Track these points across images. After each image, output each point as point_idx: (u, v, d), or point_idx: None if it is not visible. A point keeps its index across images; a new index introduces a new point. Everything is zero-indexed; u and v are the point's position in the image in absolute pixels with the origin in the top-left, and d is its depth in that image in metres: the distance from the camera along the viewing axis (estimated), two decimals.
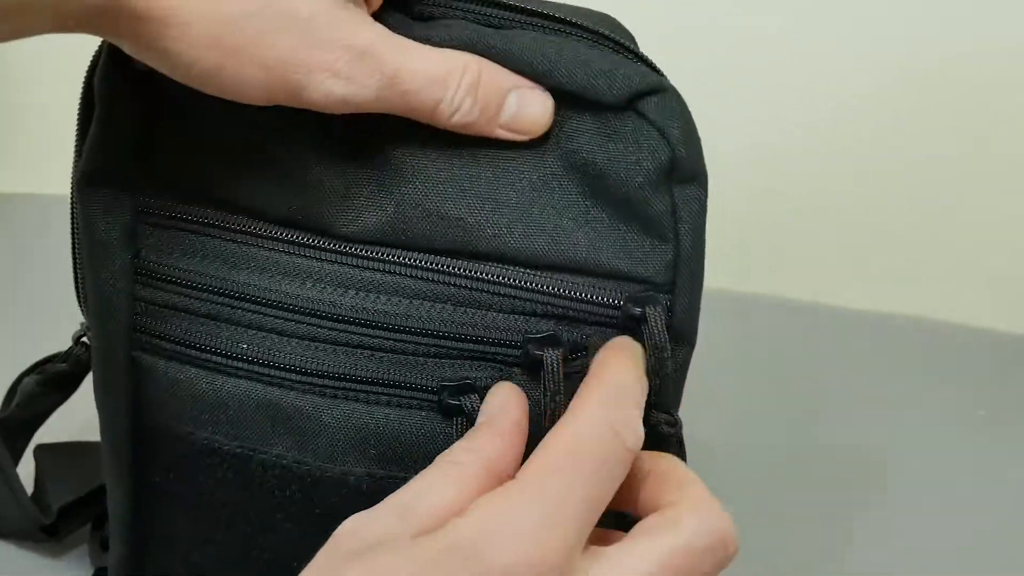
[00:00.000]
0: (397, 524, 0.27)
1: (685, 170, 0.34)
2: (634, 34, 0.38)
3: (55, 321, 0.46)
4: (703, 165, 0.35)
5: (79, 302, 0.39)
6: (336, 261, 0.35)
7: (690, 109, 0.36)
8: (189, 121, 0.34)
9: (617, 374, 0.31)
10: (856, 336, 0.70)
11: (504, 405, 0.31)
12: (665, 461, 0.31)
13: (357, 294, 0.35)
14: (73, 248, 0.38)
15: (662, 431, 0.35)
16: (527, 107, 0.32)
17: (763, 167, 0.74)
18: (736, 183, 0.75)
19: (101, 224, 0.35)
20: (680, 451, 0.38)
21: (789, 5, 0.70)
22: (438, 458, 0.29)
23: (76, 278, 0.39)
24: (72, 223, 0.37)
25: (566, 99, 0.33)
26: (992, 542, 0.52)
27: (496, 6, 0.33)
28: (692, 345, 0.38)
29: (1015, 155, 0.70)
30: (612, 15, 0.37)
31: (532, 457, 0.28)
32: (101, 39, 0.33)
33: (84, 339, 0.42)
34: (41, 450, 0.49)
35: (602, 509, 0.28)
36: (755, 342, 0.69)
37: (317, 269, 0.35)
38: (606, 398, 0.30)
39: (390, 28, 0.32)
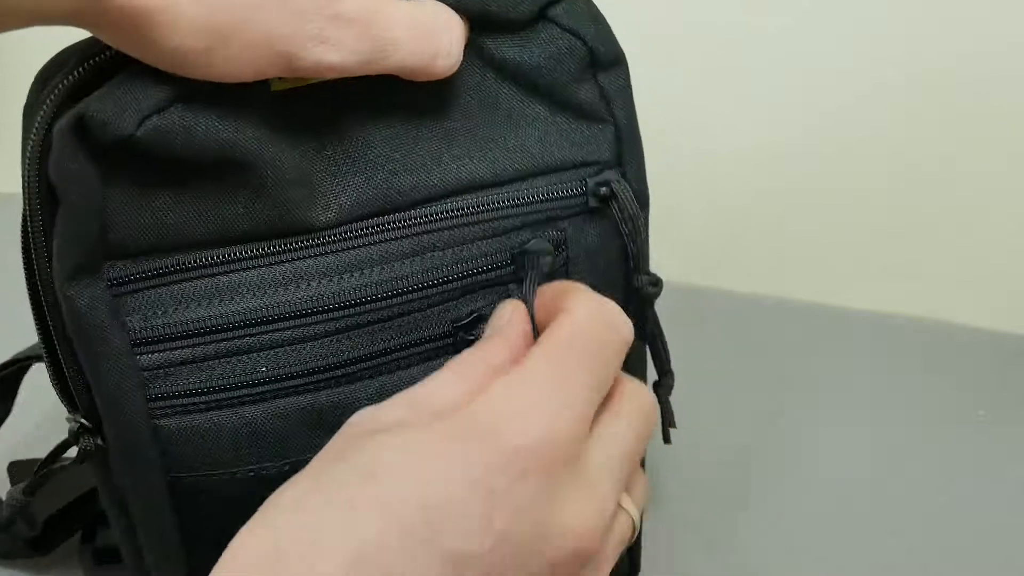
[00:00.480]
0: (409, 414, 0.29)
1: (605, 59, 0.37)
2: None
3: None
4: (620, 48, 0.38)
5: (62, 399, 0.36)
6: (326, 252, 0.35)
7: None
8: (141, 178, 0.33)
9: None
10: (856, 336, 0.70)
11: (510, 318, 0.33)
12: (560, 283, 0.35)
13: (353, 275, 0.35)
14: (53, 342, 0.35)
15: (647, 292, 0.40)
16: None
17: (763, 167, 0.74)
18: (736, 183, 0.76)
19: (90, 314, 0.33)
20: (653, 324, 0.43)
21: (790, 5, 0.70)
22: (448, 363, 0.31)
23: (56, 376, 0.35)
24: (44, 317, 0.34)
25: (483, 23, 0.35)
26: (992, 542, 0.52)
27: None
28: (647, 204, 0.42)
29: (1015, 155, 0.70)
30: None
31: (538, 347, 0.30)
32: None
33: (83, 425, 0.37)
34: (15, 466, 0.48)
35: (604, 392, 0.30)
36: (755, 342, 0.69)
37: (311, 267, 0.35)
38: (594, 296, 0.32)
39: None
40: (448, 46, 0.33)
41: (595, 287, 0.37)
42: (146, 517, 0.36)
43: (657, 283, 0.40)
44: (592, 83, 0.37)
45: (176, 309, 0.34)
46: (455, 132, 0.36)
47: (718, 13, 0.72)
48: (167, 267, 0.34)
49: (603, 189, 0.38)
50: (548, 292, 0.34)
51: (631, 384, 0.32)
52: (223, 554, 0.27)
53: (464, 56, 0.35)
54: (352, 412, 0.34)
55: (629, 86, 0.38)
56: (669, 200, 0.78)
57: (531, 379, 0.29)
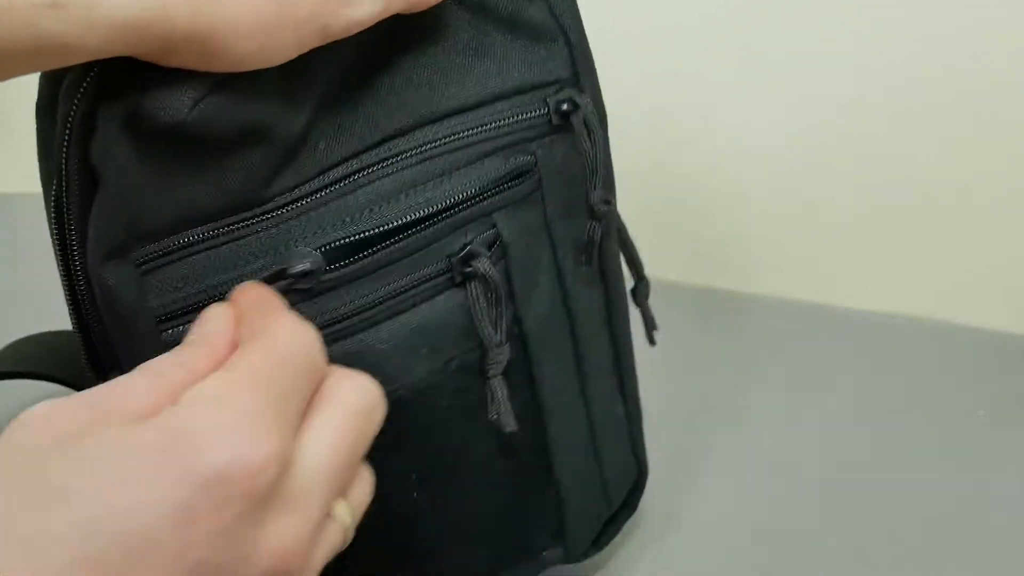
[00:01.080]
0: (93, 416, 0.26)
1: None
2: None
3: (56, 323, 0.46)
4: None
5: (96, 378, 0.37)
6: (324, 200, 0.36)
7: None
8: (165, 160, 0.33)
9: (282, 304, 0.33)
10: (856, 336, 0.70)
11: (215, 326, 0.31)
12: (261, 293, 0.33)
13: (345, 223, 0.36)
14: (86, 323, 0.36)
15: (599, 208, 0.40)
16: None
17: (763, 167, 0.74)
18: (736, 183, 0.75)
19: (122, 295, 0.34)
20: (621, 236, 0.45)
21: (793, 8, 0.70)
22: (141, 366, 0.28)
23: (94, 353, 0.36)
24: (78, 297, 0.35)
25: None
26: (992, 542, 0.52)
27: None
28: (606, 119, 0.43)
29: (1015, 155, 0.70)
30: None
31: (242, 359, 0.28)
32: None
33: None
34: None
35: (306, 401, 0.29)
36: (755, 342, 0.69)
37: (314, 219, 0.36)
38: (294, 316, 0.31)
39: None
40: None
41: (565, 205, 0.40)
42: None
43: (609, 202, 0.41)
44: (541, 1, 0.39)
45: (194, 281, 0.35)
46: (422, 66, 0.37)
47: (718, 14, 0.71)
48: (183, 242, 0.34)
49: (564, 105, 0.39)
50: (250, 302, 0.32)
51: (341, 385, 0.30)
52: None
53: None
54: (371, 355, 0.36)
55: (576, 3, 0.40)
56: (669, 200, 0.78)
57: (236, 394, 0.27)
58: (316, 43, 0.33)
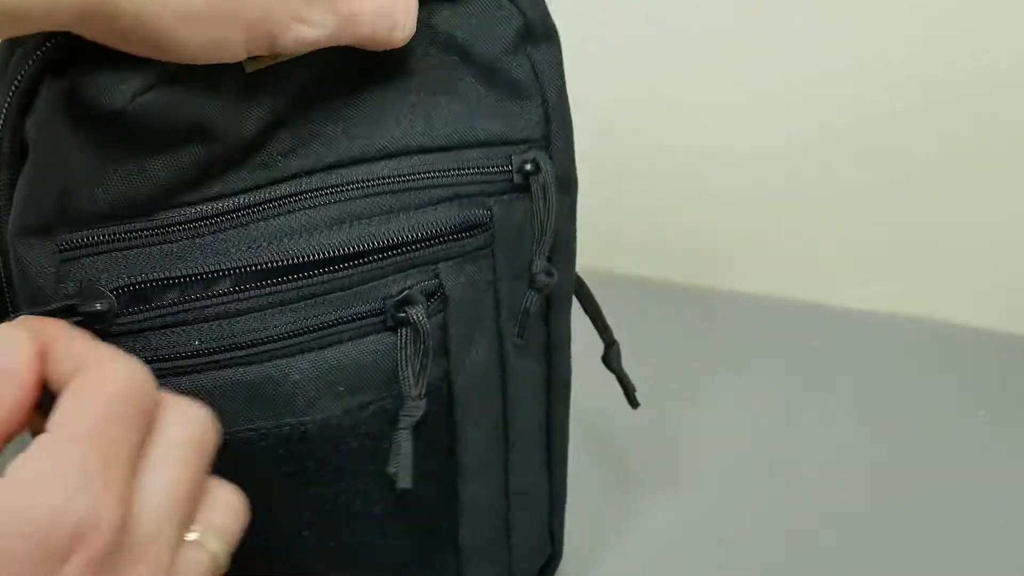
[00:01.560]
0: None
1: (538, 31, 0.37)
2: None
3: None
4: (553, 23, 0.38)
5: None
6: (256, 217, 0.35)
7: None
8: (106, 149, 0.33)
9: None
10: (856, 336, 0.70)
11: (18, 357, 0.28)
12: (69, 332, 0.30)
13: (282, 243, 0.35)
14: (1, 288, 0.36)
15: (540, 280, 0.39)
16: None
17: (763, 167, 0.74)
18: (736, 183, 0.75)
19: (36, 274, 0.33)
20: (580, 296, 0.44)
21: (794, 8, 0.70)
22: None
23: (4, 313, 0.36)
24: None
25: None
26: (992, 542, 0.52)
27: None
28: (576, 189, 0.41)
29: (1015, 155, 0.70)
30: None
31: (73, 407, 0.27)
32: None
33: None
34: None
35: (141, 442, 0.28)
36: (755, 342, 0.69)
37: (241, 235, 0.35)
38: (117, 352, 0.29)
39: None
40: (403, 19, 0.34)
41: (516, 267, 0.39)
42: None
43: (552, 274, 0.39)
44: (524, 57, 0.37)
45: (116, 276, 0.34)
46: (382, 99, 0.37)
47: (718, 13, 0.71)
48: (110, 236, 0.34)
49: (527, 165, 0.38)
50: (57, 330, 0.30)
51: (169, 416, 0.29)
52: None
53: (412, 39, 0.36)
54: (286, 384, 0.35)
55: (561, 64, 0.39)
56: (669, 200, 0.78)
57: (66, 448, 0.25)
58: (263, 51, 0.32)
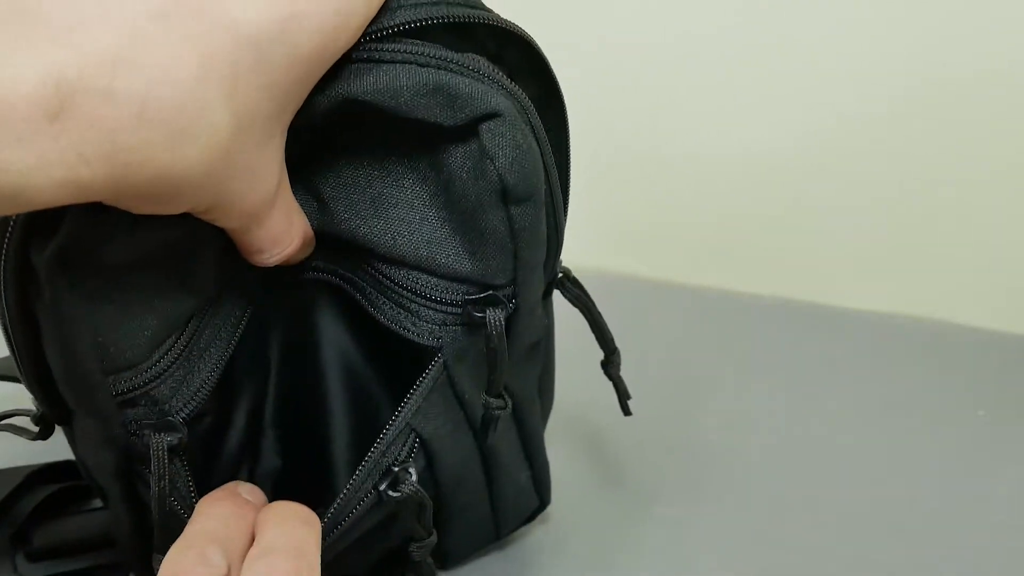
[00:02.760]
0: None
1: (517, 193, 0.36)
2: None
3: None
4: (536, 185, 0.37)
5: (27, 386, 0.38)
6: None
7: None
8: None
9: (207, 523, 0.35)
10: (856, 336, 0.70)
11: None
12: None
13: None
14: (8, 332, 0.36)
15: (490, 413, 0.40)
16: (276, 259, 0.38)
17: (763, 167, 0.74)
18: (736, 183, 0.75)
19: (108, 425, 0.36)
20: (582, 306, 0.44)
21: (794, 10, 0.70)
22: None
23: (20, 367, 0.37)
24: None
25: (420, 129, 0.35)
26: (992, 542, 0.52)
27: (378, 39, 0.34)
28: (547, 334, 0.43)
29: (1015, 156, 0.70)
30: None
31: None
32: None
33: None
34: None
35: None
36: (755, 342, 0.69)
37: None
38: (186, 543, 0.34)
39: None
40: (269, 256, 0.36)
41: (476, 385, 0.40)
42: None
43: (505, 406, 0.40)
44: (501, 212, 0.37)
45: (178, 406, 0.37)
46: (358, 201, 0.38)
47: (718, 15, 0.72)
48: (160, 363, 0.36)
49: (477, 315, 0.38)
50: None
51: (264, 542, 0.34)
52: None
53: (410, 143, 0.37)
54: None
55: (539, 222, 0.38)
56: (669, 200, 0.78)
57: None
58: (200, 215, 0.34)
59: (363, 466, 0.39)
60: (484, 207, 0.37)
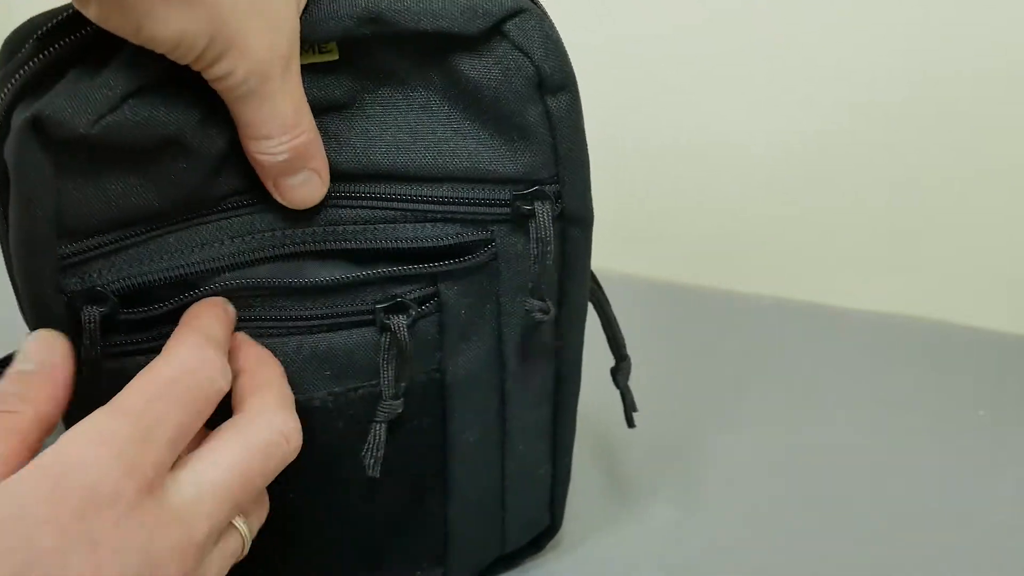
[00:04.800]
0: None
1: (554, 82, 0.37)
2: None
3: None
4: (570, 72, 0.38)
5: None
6: (252, 212, 0.37)
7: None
8: (88, 166, 0.34)
9: (207, 326, 0.35)
10: (856, 336, 0.70)
11: (50, 351, 0.33)
12: (255, 363, 0.36)
13: (275, 234, 0.37)
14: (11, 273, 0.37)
15: (534, 316, 0.39)
16: (305, 187, 0.36)
17: (763, 167, 0.74)
18: (736, 183, 0.76)
19: (39, 281, 0.35)
20: (597, 306, 0.44)
21: (796, 11, 0.70)
22: None
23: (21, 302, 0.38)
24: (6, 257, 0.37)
25: (441, 41, 0.36)
26: (992, 542, 0.52)
27: None
28: (589, 224, 0.41)
29: (1015, 155, 0.70)
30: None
31: (131, 386, 0.31)
32: None
33: None
34: None
35: (190, 437, 0.32)
36: (755, 342, 0.69)
37: (234, 225, 0.37)
38: (198, 343, 0.33)
39: None
40: (275, 145, 0.35)
41: (519, 284, 0.40)
42: None
43: (548, 311, 0.40)
44: (539, 104, 0.38)
45: (112, 280, 0.36)
46: (392, 124, 0.38)
47: (719, 14, 0.72)
48: (108, 241, 0.36)
49: (526, 208, 0.39)
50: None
51: (255, 417, 0.33)
52: None
53: (424, 65, 0.37)
54: None
55: (577, 110, 0.39)
56: (669, 200, 0.78)
57: (110, 422, 0.30)
58: (210, 60, 0.32)
59: (366, 274, 0.38)
60: (523, 103, 0.37)
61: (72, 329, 0.35)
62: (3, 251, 0.37)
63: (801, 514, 0.54)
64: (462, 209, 0.39)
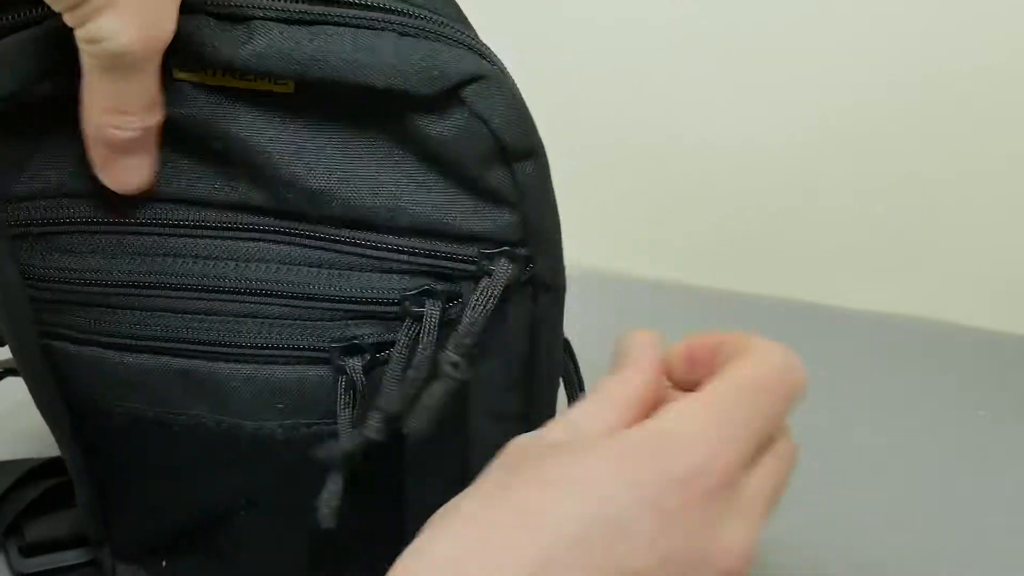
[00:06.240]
0: (569, 435, 0.30)
1: (517, 150, 0.35)
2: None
3: None
4: (535, 139, 0.36)
5: None
6: (215, 236, 0.36)
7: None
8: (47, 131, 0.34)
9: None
10: (856, 336, 0.70)
11: (643, 345, 0.33)
12: (737, 334, 0.35)
13: (238, 265, 0.36)
14: None
15: (444, 369, 0.37)
16: (138, 171, 0.35)
17: (763, 167, 0.74)
18: (736, 183, 0.75)
19: None
20: (567, 376, 0.43)
21: (795, 9, 0.70)
22: (592, 391, 0.32)
23: None
24: None
25: (401, 99, 0.34)
26: (992, 542, 0.52)
27: (306, 0, 0.33)
28: (561, 292, 0.40)
29: (1015, 155, 0.70)
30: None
31: (720, 380, 0.31)
32: None
33: None
34: None
35: (768, 435, 0.32)
36: None
37: (196, 246, 0.36)
38: (779, 346, 0.34)
39: (195, 36, 0.33)
40: (138, 121, 0.34)
41: (487, 351, 0.38)
42: (51, 422, 0.40)
43: (458, 366, 0.37)
44: (504, 170, 0.36)
45: (64, 255, 0.36)
46: (353, 173, 0.35)
47: (719, 13, 0.72)
48: (63, 218, 0.35)
49: (490, 268, 0.37)
50: (718, 338, 0.35)
51: (785, 443, 0.35)
52: (405, 554, 0.28)
53: (383, 116, 0.35)
54: (226, 387, 0.37)
55: (545, 175, 0.37)
56: (669, 200, 0.78)
57: (706, 410, 0.30)
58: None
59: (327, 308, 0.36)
60: (486, 167, 0.35)
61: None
62: None
63: (800, 513, 0.54)
64: (427, 262, 0.37)
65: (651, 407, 0.31)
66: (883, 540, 0.52)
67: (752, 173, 0.75)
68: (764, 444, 0.32)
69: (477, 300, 0.36)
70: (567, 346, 0.43)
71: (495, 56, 0.35)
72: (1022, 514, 0.54)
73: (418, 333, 0.36)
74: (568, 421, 0.31)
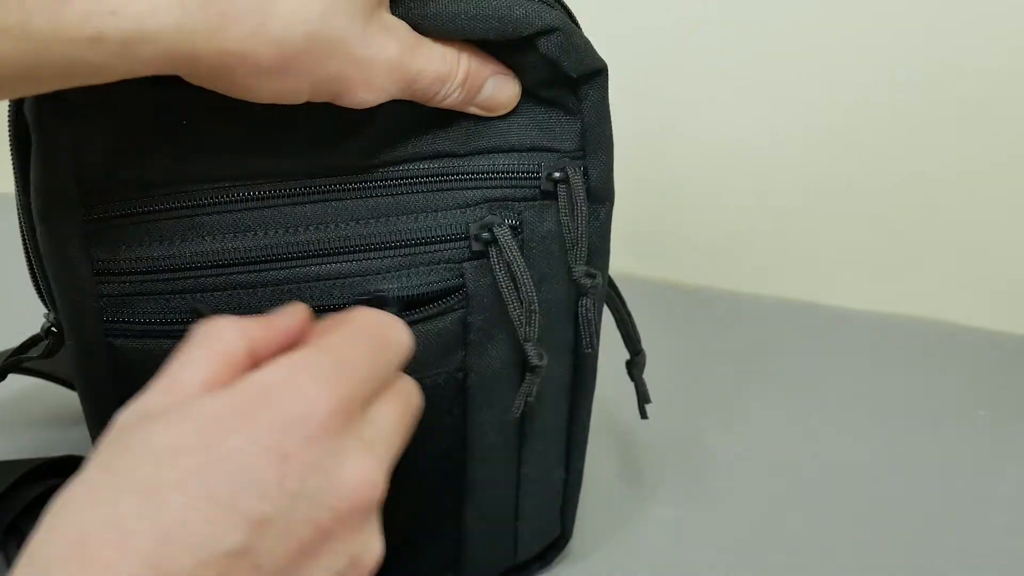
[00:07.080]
0: (164, 398, 0.30)
1: (585, 75, 0.38)
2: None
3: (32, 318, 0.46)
4: (599, 62, 0.39)
5: (40, 298, 0.40)
6: (282, 204, 0.37)
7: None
8: (121, 126, 0.35)
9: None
10: (856, 336, 0.70)
11: (286, 319, 0.34)
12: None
13: (307, 230, 0.37)
14: (27, 252, 0.38)
15: (582, 283, 0.39)
16: (500, 92, 0.38)
17: (763, 167, 0.74)
18: (737, 183, 0.75)
19: (61, 248, 0.35)
20: (611, 303, 0.45)
21: (796, 8, 0.70)
22: (201, 332, 0.32)
23: (34, 279, 0.39)
24: (22, 233, 0.37)
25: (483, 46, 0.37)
26: (992, 542, 0.52)
27: None
28: (611, 202, 0.41)
29: (1015, 155, 0.70)
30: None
31: (315, 337, 0.33)
32: None
33: (53, 328, 0.42)
34: None
35: (380, 384, 0.32)
36: (755, 342, 0.69)
37: (264, 217, 0.37)
38: (373, 310, 0.34)
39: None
40: (447, 90, 0.37)
41: (547, 273, 0.40)
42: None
43: (594, 276, 0.40)
44: (568, 92, 0.39)
45: (133, 246, 0.36)
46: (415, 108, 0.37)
47: (719, 12, 0.71)
48: (138, 208, 0.36)
49: (557, 174, 0.39)
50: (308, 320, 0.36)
51: (404, 382, 0.35)
52: (22, 553, 0.27)
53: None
54: None
55: (604, 90, 0.39)
56: (670, 200, 0.78)
57: (306, 357, 0.31)
58: (321, 100, 0.34)
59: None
60: (550, 90, 0.38)
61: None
62: (24, 222, 0.37)
63: (800, 514, 0.54)
64: (492, 184, 0.39)
65: (245, 368, 0.32)
66: (884, 539, 0.52)
67: (752, 173, 0.75)
68: (380, 387, 0.32)
69: (566, 212, 0.39)
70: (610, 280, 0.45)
71: (565, 4, 0.38)
72: (1022, 514, 0.54)
73: (501, 256, 0.38)
74: (166, 380, 0.31)
